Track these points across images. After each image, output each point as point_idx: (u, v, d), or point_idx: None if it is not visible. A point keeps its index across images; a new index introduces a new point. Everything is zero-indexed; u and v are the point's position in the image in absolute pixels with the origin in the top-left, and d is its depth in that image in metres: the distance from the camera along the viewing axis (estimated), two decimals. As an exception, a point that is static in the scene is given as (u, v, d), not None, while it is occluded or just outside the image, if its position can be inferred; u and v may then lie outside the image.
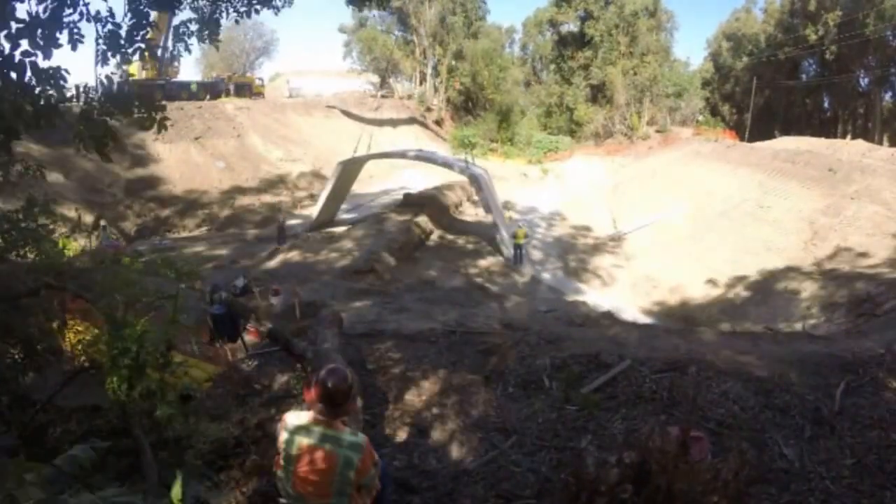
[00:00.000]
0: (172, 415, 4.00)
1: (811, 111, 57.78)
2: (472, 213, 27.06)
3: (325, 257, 17.94)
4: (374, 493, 2.81)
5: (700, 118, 54.02)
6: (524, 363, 6.03)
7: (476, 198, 24.60)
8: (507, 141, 48.82)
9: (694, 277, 17.43)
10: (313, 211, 23.31)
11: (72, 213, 18.91)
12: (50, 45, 4.05)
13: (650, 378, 5.43)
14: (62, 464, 2.15)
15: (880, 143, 41.73)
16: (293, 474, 2.67)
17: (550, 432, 4.74)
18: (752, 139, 44.41)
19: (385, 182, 31.51)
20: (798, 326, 12.26)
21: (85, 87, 4.57)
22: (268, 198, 26.79)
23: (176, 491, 2.21)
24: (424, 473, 4.24)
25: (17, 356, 4.47)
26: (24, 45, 3.93)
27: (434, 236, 22.02)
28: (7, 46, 3.92)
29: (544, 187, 36.37)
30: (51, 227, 4.92)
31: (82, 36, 4.35)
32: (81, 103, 4.58)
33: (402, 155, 22.74)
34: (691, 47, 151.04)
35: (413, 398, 5.41)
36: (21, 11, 4.04)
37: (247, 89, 41.88)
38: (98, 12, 4.45)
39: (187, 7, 5.41)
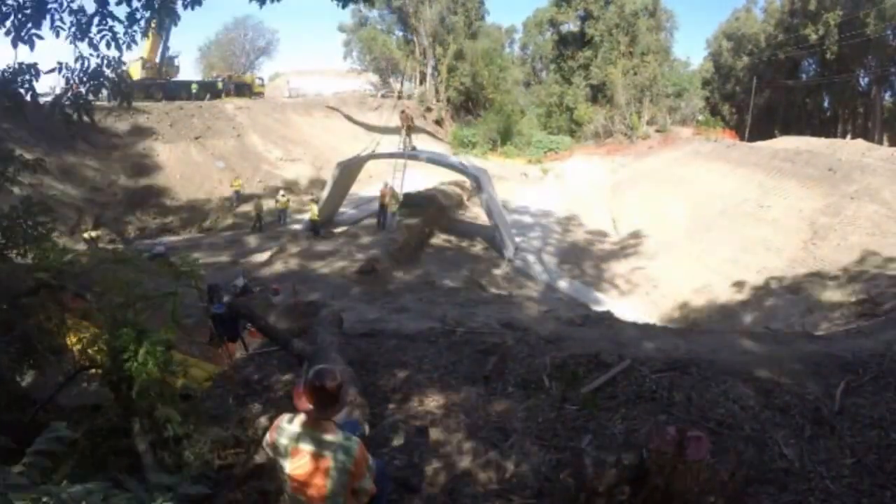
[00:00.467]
0: (172, 415, 4.00)
1: (811, 111, 57.78)
2: (472, 212, 27.06)
3: (324, 257, 17.93)
4: (369, 496, 2.78)
5: (700, 118, 54.03)
6: (524, 363, 6.03)
7: (476, 197, 24.59)
8: (507, 141, 48.85)
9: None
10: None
11: (71, 213, 18.92)
12: (32, 35, 4.20)
13: (650, 378, 5.43)
14: (40, 446, 2.15)
15: (880, 142, 41.74)
16: (288, 476, 2.67)
17: (550, 432, 4.74)
18: (751, 139, 44.41)
19: (385, 182, 31.47)
20: (798, 326, 12.26)
21: (66, 65, 4.82)
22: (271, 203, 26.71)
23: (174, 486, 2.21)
24: (424, 473, 4.24)
25: (16, 355, 4.47)
26: None
27: (434, 236, 22.02)
28: None
29: (544, 187, 36.37)
30: (50, 226, 4.92)
31: (63, 23, 4.53)
32: (61, 81, 4.91)
33: (400, 155, 22.72)
34: (691, 47, 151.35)
35: (413, 398, 5.41)
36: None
37: (246, 89, 41.86)
38: (78, 6, 4.75)
39: None
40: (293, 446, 2.64)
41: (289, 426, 2.70)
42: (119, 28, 4.88)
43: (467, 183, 25.52)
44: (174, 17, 5.42)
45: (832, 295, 13.59)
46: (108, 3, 4.82)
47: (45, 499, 1.79)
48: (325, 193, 22.63)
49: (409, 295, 13.75)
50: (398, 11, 52.92)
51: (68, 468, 3.04)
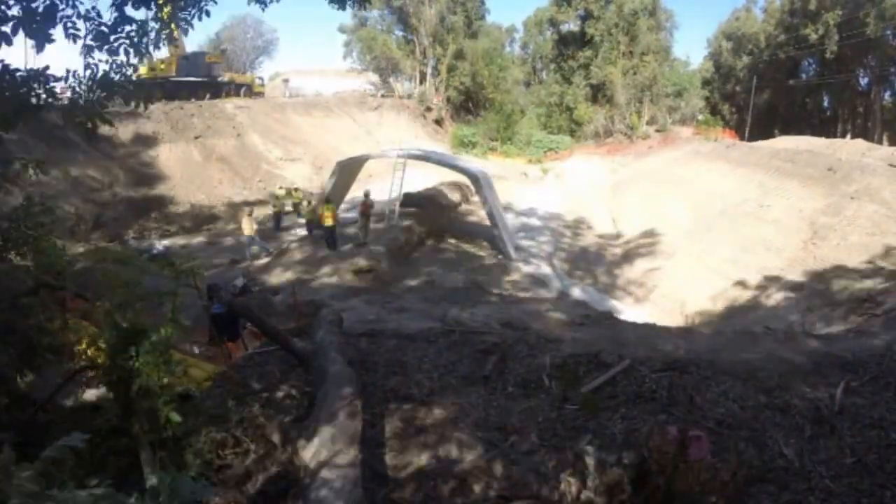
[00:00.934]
0: (172, 414, 4.00)
1: (811, 111, 57.80)
2: (472, 212, 27.05)
3: (324, 256, 17.90)
4: None
5: (700, 118, 54.04)
6: (524, 362, 6.03)
7: (476, 197, 24.55)
8: (507, 140, 48.86)
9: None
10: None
11: (70, 213, 18.91)
12: (43, 39, 4.19)
13: (650, 377, 5.43)
14: (53, 453, 2.13)
15: (880, 142, 41.76)
16: None
17: (550, 432, 4.74)
18: (751, 138, 44.44)
19: (385, 182, 31.48)
20: (798, 326, 12.26)
21: (74, 73, 4.86)
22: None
23: (173, 487, 2.20)
24: (424, 473, 4.24)
25: (16, 355, 4.47)
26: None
27: (434, 236, 22.01)
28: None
29: (544, 187, 36.37)
30: (49, 227, 4.92)
31: (78, 30, 4.52)
32: (69, 89, 4.91)
33: (399, 155, 22.70)
34: (691, 47, 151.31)
35: (413, 398, 5.40)
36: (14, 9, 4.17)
37: (246, 89, 41.88)
38: (87, 10, 4.72)
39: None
40: None
41: None
42: (135, 33, 4.91)
43: (468, 183, 25.48)
44: (184, 28, 5.51)
45: (832, 295, 13.59)
46: (125, 9, 4.87)
47: None
48: (325, 193, 22.61)
49: (409, 295, 13.75)
50: (398, 11, 52.93)
51: (68, 469, 3.03)
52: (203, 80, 36.85)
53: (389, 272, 16.49)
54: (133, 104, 5.35)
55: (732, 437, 4.47)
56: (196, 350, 7.91)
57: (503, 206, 26.81)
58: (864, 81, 52.08)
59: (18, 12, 4.33)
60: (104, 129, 23.35)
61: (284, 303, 11.76)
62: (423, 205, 23.83)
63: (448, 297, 13.85)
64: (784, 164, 24.75)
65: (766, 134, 47.78)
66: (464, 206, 28.44)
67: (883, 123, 50.30)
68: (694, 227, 22.28)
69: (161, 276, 4.93)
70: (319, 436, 3.90)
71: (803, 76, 56.44)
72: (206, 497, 2.38)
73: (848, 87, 51.38)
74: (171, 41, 5.61)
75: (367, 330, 7.80)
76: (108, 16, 4.82)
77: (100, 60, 4.89)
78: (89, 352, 4.59)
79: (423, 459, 4.42)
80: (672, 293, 17.09)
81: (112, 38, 4.77)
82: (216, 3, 5.57)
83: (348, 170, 23.12)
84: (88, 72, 4.85)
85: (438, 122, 51.04)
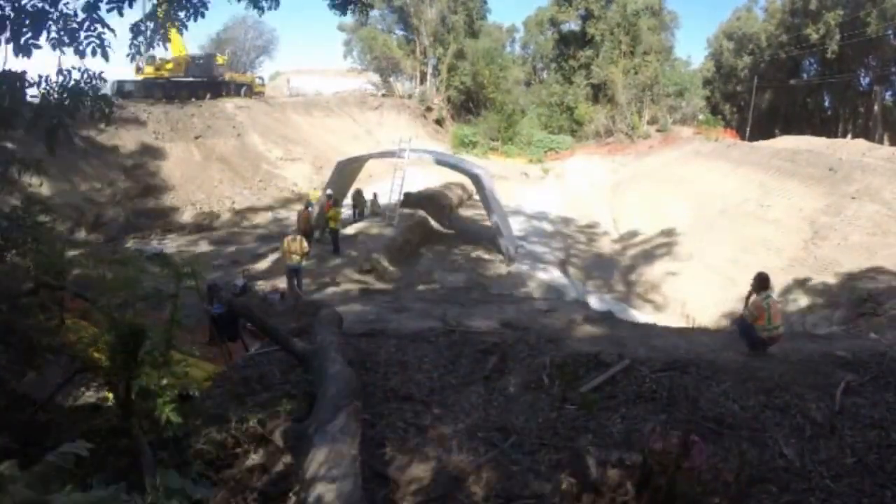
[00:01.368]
0: (172, 414, 3.99)
1: (812, 110, 57.78)
2: (472, 212, 27.04)
3: (324, 257, 17.90)
4: None
5: (701, 117, 54.03)
6: (524, 362, 6.03)
7: (477, 197, 24.53)
8: (507, 140, 48.86)
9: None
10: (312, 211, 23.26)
11: (71, 214, 18.92)
12: (27, 46, 4.16)
13: (650, 377, 5.42)
14: (55, 459, 2.13)
15: (881, 142, 41.73)
16: None
17: (550, 431, 4.74)
18: (752, 138, 44.43)
19: (385, 181, 31.50)
20: (798, 326, 12.25)
21: (46, 78, 4.72)
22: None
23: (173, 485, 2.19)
24: (424, 473, 4.23)
25: (16, 355, 4.47)
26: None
27: (434, 236, 22.00)
28: None
29: (545, 187, 36.37)
30: (49, 226, 4.92)
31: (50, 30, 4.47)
32: (38, 94, 4.76)
33: (400, 155, 22.70)
34: (692, 46, 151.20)
35: (413, 397, 5.40)
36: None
37: (247, 88, 41.92)
38: (61, 10, 4.64)
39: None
40: None
41: None
42: (109, 35, 4.78)
43: (468, 182, 25.47)
44: (180, 28, 5.50)
45: (833, 295, 13.58)
46: (98, 9, 4.75)
47: None
48: (324, 194, 22.61)
49: (409, 294, 13.74)
50: (399, 11, 52.92)
51: (67, 471, 3.03)
52: (204, 80, 37.05)
53: (389, 272, 16.49)
54: (97, 117, 5.04)
55: (733, 437, 4.47)
56: (196, 350, 7.92)
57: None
58: (865, 81, 52.12)
59: (9, 13, 4.28)
60: (105, 129, 23.37)
61: (287, 303, 11.77)
62: (424, 205, 23.84)
63: (448, 296, 13.84)
64: (785, 164, 24.75)
65: (767, 134, 47.78)
66: (464, 206, 28.46)
67: (884, 123, 50.28)
68: (695, 227, 22.26)
69: (160, 275, 4.93)
70: (319, 436, 3.89)
71: (804, 76, 56.42)
72: (206, 497, 2.37)
73: (849, 86, 51.38)
74: (166, 40, 5.58)
75: (367, 330, 7.81)
76: (82, 16, 4.73)
77: (72, 67, 4.77)
78: (96, 354, 4.59)
79: (423, 459, 4.42)
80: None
81: (82, 36, 4.66)
82: (207, 7, 5.53)
83: (348, 170, 23.12)
84: (61, 77, 4.73)
85: (439, 121, 51.05)
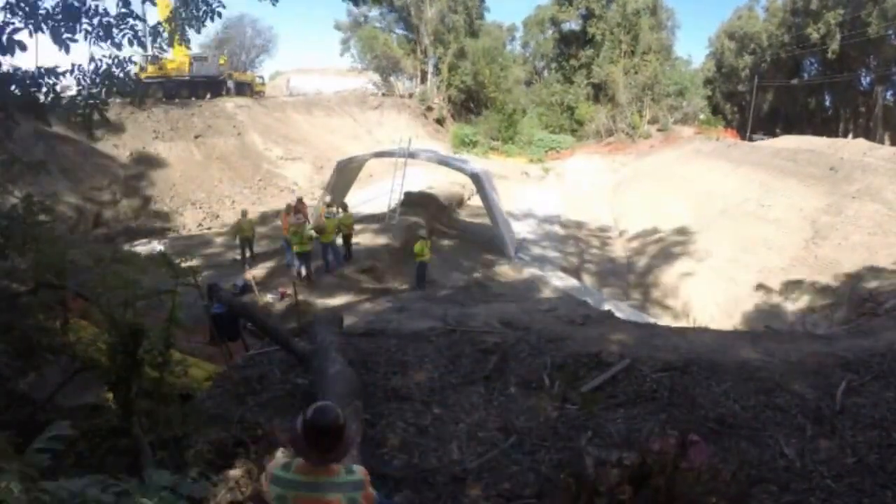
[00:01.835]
0: (172, 414, 3.99)
1: (813, 110, 57.73)
2: (473, 212, 27.03)
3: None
4: None
5: (702, 117, 54.01)
6: (524, 362, 6.02)
7: (478, 196, 24.49)
8: (508, 140, 48.84)
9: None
10: (312, 210, 23.26)
11: (71, 213, 18.92)
12: (63, 39, 4.34)
13: (650, 377, 5.42)
14: (41, 445, 2.13)
15: (882, 142, 41.66)
16: None
17: (550, 431, 4.74)
18: (753, 138, 44.44)
19: (385, 181, 31.48)
20: (799, 325, 12.24)
21: (79, 67, 4.99)
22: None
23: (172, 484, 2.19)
24: (424, 473, 4.23)
25: (16, 355, 4.47)
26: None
27: (434, 235, 21.99)
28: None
29: (545, 186, 36.36)
30: (49, 225, 4.93)
31: (89, 27, 4.70)
32: (73, 85, 5.11)
33: (401, 154, 22.69)
34: (693, 46, 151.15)
35: (413, 397, 5.40)
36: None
37: (247, 88, 41.90)
38: (96, 7, 4.87)
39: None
40: (294, 496, 2.34)
41: (285, 474, 2.37)
42: (140, 26, 5.05)
43: (468, 182, 25.46)
44: (196, 27, 5.64)
45: (833, 294, 13.57)
46: (130, 4, 5.02)
47: (44, 496, 1.78)
48: (324, 193, 22.61)
49: (409, 294, 13.74)
50: (399, 10, 52.90)
51: (66, 468, 3.03)
52: (204, 80, 37.11)
53: (389, 271, 16.49)
54: (133, 100, 5.54)
55: (733, 436, 4.47)
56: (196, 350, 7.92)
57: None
58: (865, 81, 52.06)
59: (49, 10, 4.53)
60: (105, 130, 23.37)
61: (289, 304, 11.75)
62: (424, 204, 23.84)
63: (448, 296, 13.84)
64: (785, 164, 24.73)
65: (768, 133, 47.78)
66: (464, 206, 28.45)
67: (885, 123, 50.24)
68: (695, 227, 22.24)
69: (160, 275, 4.93)
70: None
71: (805, 76, 56.37)
72: (202, 496, 2.36)
73: (850, 86, 51.33)
74: (184, 40, 5.74)
75: (368, 330, 7.80)
76: (114, 10, 4.98)
77: (103, 56, 5.03)
78: (89, 350, 4.59)
79: (423, 459, 4.41)
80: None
81: (115, 31, 4.91)
82: (224, 7, 5.68)
83: (348, 170, 23.12)
84: (92, 65, 4.98)
85: (439, 121, 51.03)
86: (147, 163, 26.21)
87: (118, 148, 25.57)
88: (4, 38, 4.28)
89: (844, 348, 6.50)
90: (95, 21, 4.83)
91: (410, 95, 53.03)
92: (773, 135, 45.18)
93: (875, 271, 13.76)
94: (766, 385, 5.25)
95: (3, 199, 5.43)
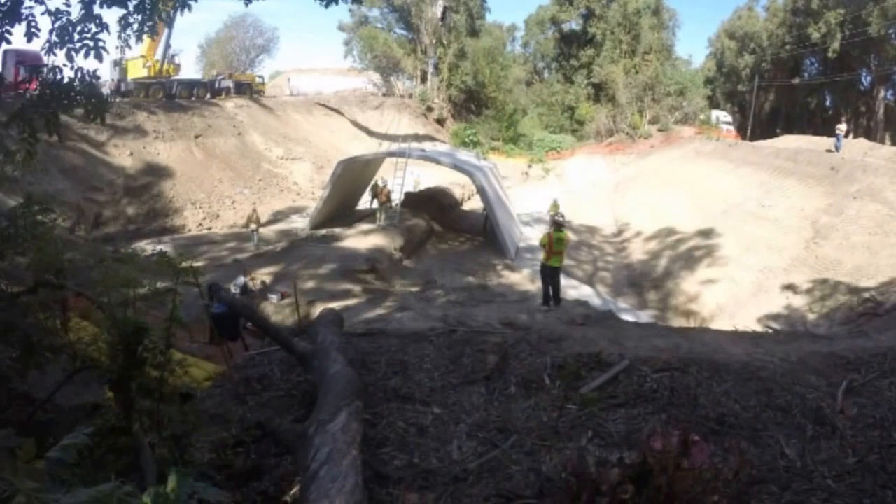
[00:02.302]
0: (172, 413, 3.99)
1: (813, 110, 57.71)
2: (473, 211, 27.02)
3: (324, 256, 17.92)
4: None
5: (702, 117, 53.98)
6: (525, 362, 6.02)
7: (478, 196, 24.49)
8: (508, 140, 48.83)
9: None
10: (313, 210, 23.29)
11: (71, 212, 18.92)
12: (3, 34, 4.14)
13: (651, 377, 5.41)
14: (57, 454, 2.11)
15: (882, 141, 41.65)
16: None
17: (551, 431, 4.73)
18: (753, 138, 44.40)
19: (385, 181, 31.45)
20: (799, 325, 12.24)
21: (42, 72, 4.80)
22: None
23: (173, 487, 2.17)
24: (424, 473, 4.22)
25: (16, 355, 4.46)
26: None
27: (435, 235, 21.99)
28: None
29: (546, 186, 36.36)
30: (49, 225, 4.92)
31: (38, 29, 4.41)
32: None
33: (402, 154, 22.69)
34: (693, 45, 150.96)
35: (413, 398, 5.39)
36: None
37: (247, 88, 41.94)
38: (57, 8, 4.60)
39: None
40: None
41: None
42: (103, 36, 4.65)
43: (470, 181, 25.47)
44: (167, 21, 5.44)
45: (834, 294, 13.56)
46: (93, 7, 4.64)
47: None
48: (325, 193, 22.62)
49: (410, 294, 13.75)
50: (399, 10, 52.90)
51: (67, 468, 3.02)
52: (204, 80, 37.21)
53: (390, 271, 16.49)
54: (91, 117, 4.86)
55: (734, 436, 4.45)
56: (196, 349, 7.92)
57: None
58: (866, 81, 52.05)
59: None
60: (105, 130, 23.35)
61: (290, 303, 11.75)
62: (425, 203, 23.85)
63: (449, 296, 13.84)
64: (786, 164, 24.73)
65: (769, 133, 47.80)
66: (466, 205, 28.45)
67: (885, 123, 50.20)
68: (695, 226, 22.22)
69: (160, 274, 4.93)
70: (320, 436, 3.89)
71: (806, 75, 56.34)
72: (213, 498, 2.34)
73: (850, 86, 51.30)
74: (154, 33, 5.54)
75: (368, 330, 7.80)
76: (76, 11, 4.63)
77: (64, 65, 4.68)
78: (89, 349, 4.59)
79: (423, 459, 4.41)
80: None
81: (75, 36, 4.57)
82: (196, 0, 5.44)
83: (348, 170, 23.12)
84: (51, 75, 4.66)
85: (440, 121, 51.04)
86: (147, 163, 26.23)
87: (118, 148, 25.58)
88: None
89: (845, 348, 6.49)
90: (54, 21, 4.48)
91: (411, 95, 53.05)
92: (774, 135, 45.13)
93: (876, 271, 13.75)
94: (767, 385, 5.24)
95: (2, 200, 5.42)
